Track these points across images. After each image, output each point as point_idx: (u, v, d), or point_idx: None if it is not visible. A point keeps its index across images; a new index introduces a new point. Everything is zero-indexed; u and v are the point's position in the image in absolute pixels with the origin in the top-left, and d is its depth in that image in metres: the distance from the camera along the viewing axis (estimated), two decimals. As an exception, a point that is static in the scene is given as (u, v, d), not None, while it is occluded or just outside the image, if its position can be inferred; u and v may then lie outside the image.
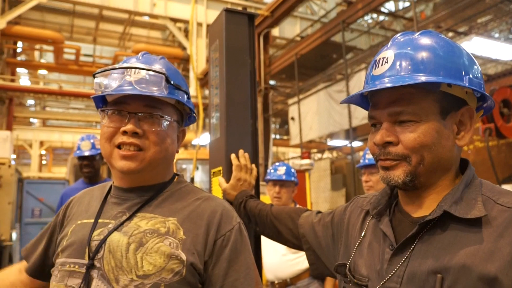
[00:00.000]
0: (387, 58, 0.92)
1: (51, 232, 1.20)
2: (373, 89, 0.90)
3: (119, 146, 1.05)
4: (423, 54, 0.89)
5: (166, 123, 1.09)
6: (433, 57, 0.89)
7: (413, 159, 0.89)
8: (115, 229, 1.03)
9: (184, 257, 0.99)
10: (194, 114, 1.24)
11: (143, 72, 1.05)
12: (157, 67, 1.08)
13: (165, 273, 0.97)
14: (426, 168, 0.90)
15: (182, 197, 1.14)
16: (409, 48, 0.91)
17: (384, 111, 0.92)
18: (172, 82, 1.08)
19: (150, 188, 1.12)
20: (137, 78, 1.04)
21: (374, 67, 0.95)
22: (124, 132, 1.04)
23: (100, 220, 1.08)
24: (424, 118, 0.89)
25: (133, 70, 1.05)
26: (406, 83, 0.86)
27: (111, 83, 1.05)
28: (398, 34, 0.98)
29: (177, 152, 1.18)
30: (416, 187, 0.92)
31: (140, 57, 1.12)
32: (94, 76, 1.08)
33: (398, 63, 0.90)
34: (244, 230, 1.13)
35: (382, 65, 0.93)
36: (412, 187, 0.92)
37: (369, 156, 2.74)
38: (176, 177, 1.20)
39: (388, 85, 0.88)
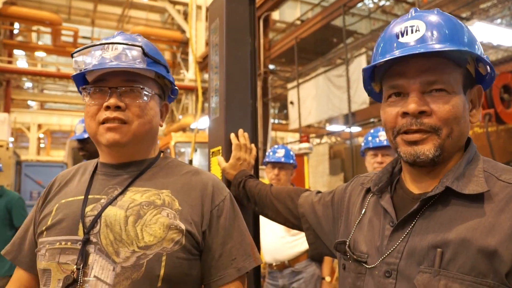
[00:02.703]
0: (417, 26, 0.88)
1: (34, 220, 1.16)
2: (422, 51, 0.84)
3: (103, 123, 1.06)
4: (455, 27, 0.88)
5: (147, 95, 1.10)
6: (463, 31, 0.89)
7: (444, 131, 0.87)
8: (110, 203, 1.04)
9: (183, 226, 1.03)
10: (176, 88, 1.26)
11: (121, 48, 1.07)
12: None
13: (166, 243, 1.00)
14: (453, 142, 0.88)
15: (171, 171, 1.16)
16: (437, 19, 0.89)
17: (416, 79, 0.88)
18: (149, 55, 1.10)
19: (139, 163, 1.14)
20: (115, 54, 1.06)
21: (399, 35, 0.90)
22: (107, 108, 1.05)
23: (90, 196, 1.08)
24: (456, 89, 0.88)
25: (110, 46, 1.07)
26: (461, 49, 0.84)
27: (90, 61, 1.07)
28: (412, 9, 0.95)
29: (161, 126, 1.20)
30: (438, 163, 0.90)
31: (116, 35, 1.15)
32: (72, 56, 1.10)
33: (433, 32, 0.87)
34: (233, 199, 1.18)
35: (412, 33, 0.88)
36: (437, 162, 0.89)
37: (381, 138, 2.61)
38: (162, 153, 1.23)
39: (448, 48, 0.83)
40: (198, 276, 1.08)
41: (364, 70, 0.98)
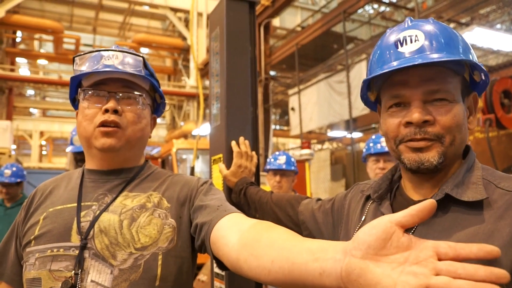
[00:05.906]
0: (416, 36, 0.90)
1: (17, 232, 1.16)
2: (425, 62, 0.85)
3: (99, 126, 1.08)
4: (451, 36, 0.90)
5: (143, 103, 1.14)
6: (458, 40, 0.90)
7: (447, 139, 0.89)
8: (104, 209, 1.06)
9: (174, 223, 1.08)
10: (165, 102, 1.29)
11: (122, 56, 1.10)
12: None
13: (161, 243, 1.03)
14: (455, 149, 0.90)
15: (157, 177, 1.20)
16: (433, 29, 0.90)
17: (418, 89, 0.89)
18: (148, 67, 1.14)
19: (128, 171, 1.17)
20: (118, 61, 1.10)
21: (398, 45, 0.91)
22: (105, 111, 1.07)
23: (81, 204, 1.08)
24: (456, 98, 0.90)
25: (111, 54, 1.10)
26: (462, 59, 0.85)
27: (92, 65, 1.09)
28: (407, 18, 0.97)
29: (150, 137, 1.23)
30: (440, 170, 0.92)
31: (113, 47, 1.17)
32: (73, 60, 1.12)
33: (432, 41, 0.88)
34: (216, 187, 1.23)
35: (411, 42, 0.90)
36: (439, 169, 0.91)
37: (383, 144, 2.61)
38: (147, 162, 1.25)
39: (444, 58, 0.85)
40: (189, 275, 1.11)
41: (365, 81, 0.98)
